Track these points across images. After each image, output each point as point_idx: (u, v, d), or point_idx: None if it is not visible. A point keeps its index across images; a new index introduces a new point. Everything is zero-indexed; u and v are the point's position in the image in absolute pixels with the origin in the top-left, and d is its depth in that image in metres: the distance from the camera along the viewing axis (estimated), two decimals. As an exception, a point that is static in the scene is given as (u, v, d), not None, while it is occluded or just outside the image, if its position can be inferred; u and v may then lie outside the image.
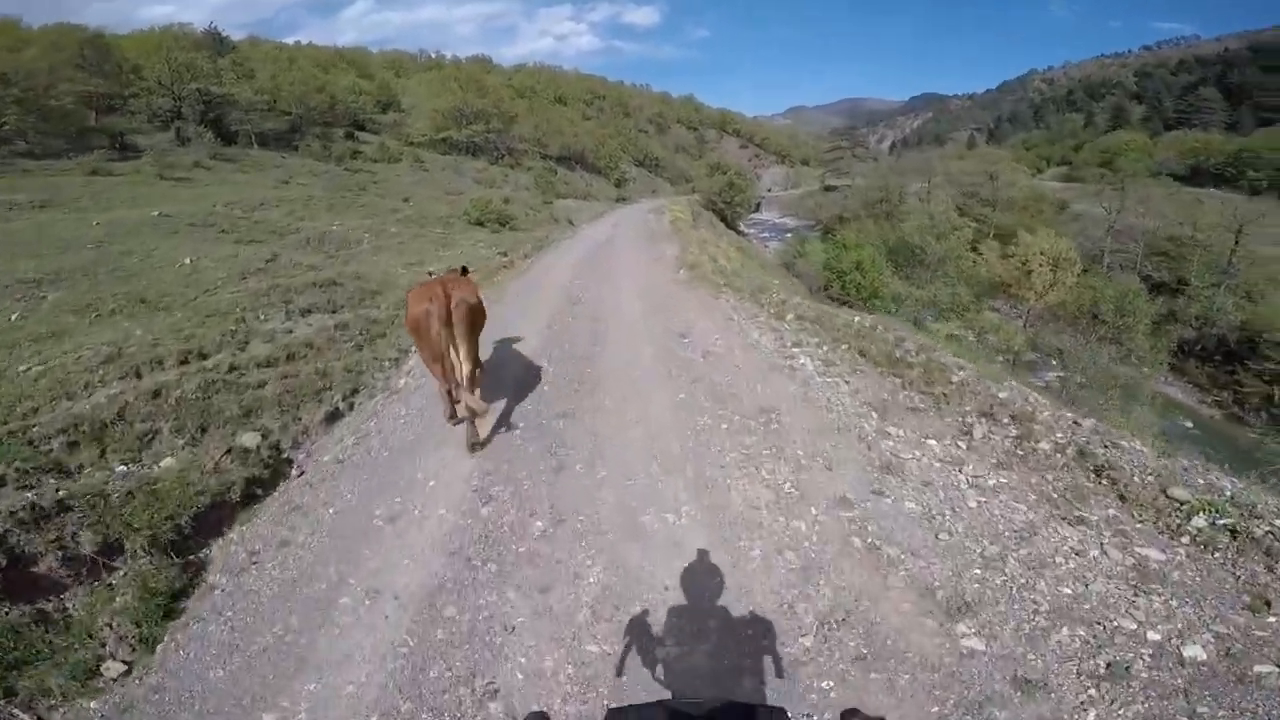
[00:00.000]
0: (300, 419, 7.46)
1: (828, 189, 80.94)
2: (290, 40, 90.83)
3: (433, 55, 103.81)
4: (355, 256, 16.19)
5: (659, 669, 3.26)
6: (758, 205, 77.62)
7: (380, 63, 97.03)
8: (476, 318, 5.76)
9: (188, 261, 11.34)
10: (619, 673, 3.22)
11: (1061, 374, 24.73)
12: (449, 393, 5.99)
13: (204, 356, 8.08)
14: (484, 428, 6.08)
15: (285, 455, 6.68)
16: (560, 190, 54.43)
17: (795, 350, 7.68)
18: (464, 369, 5.48)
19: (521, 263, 16.74)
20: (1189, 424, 25.30)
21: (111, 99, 41.45)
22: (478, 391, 5.75)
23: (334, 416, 7.76)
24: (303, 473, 6.33)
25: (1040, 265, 25.81)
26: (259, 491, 5.86)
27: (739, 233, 55.62)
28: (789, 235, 71.20)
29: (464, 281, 6.07)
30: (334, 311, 10.93)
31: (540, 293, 11.65)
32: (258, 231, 16.32)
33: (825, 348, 7.67)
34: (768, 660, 3.28)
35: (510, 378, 7.48)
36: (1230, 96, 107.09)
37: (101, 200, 19.81)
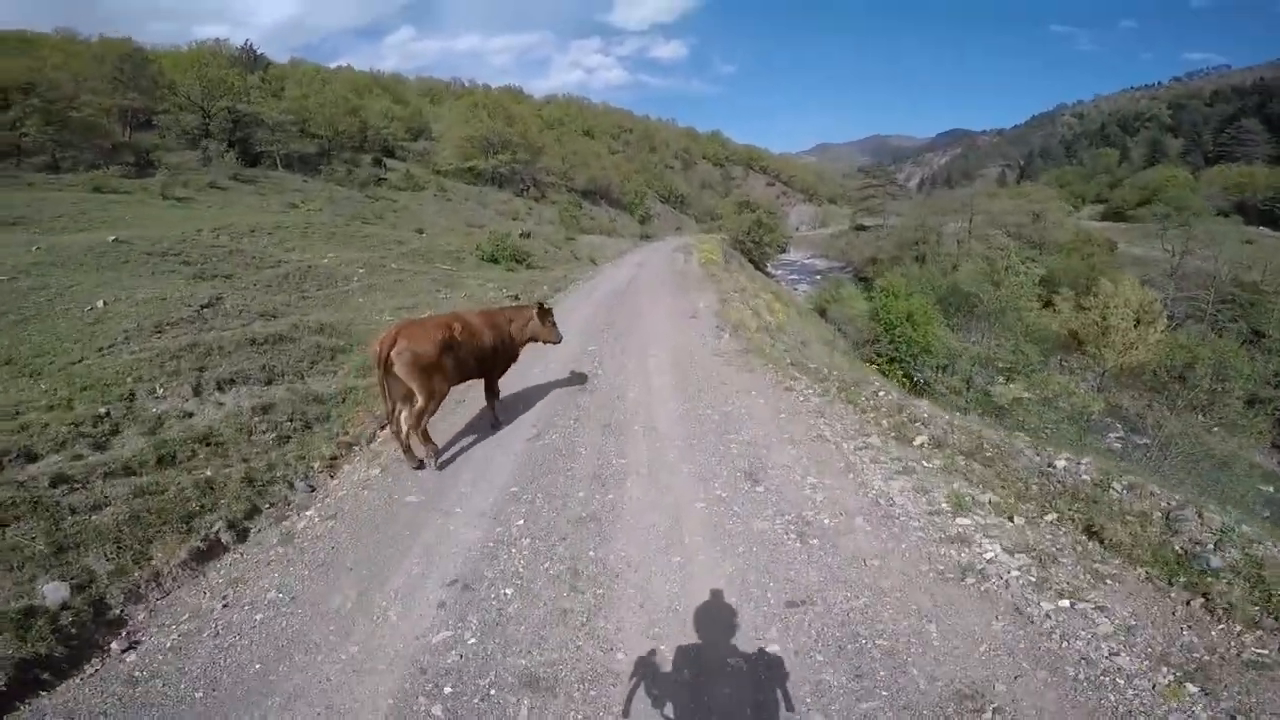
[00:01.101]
0: (150, 558, 4.87)
1: (859, 229, 78.08)
2: (333, 65, 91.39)
3: (466, 84, 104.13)
4: (335, 298, 13.71)
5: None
6: (785, 246, 75.02)
7: (416, 89, 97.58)
8: (419, 366, 5.56)
9: (100, 304, 8.87)
10: None
11: (1147, 446, 21.30)
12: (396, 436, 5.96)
13: (32, 458, 5.47)
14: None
15: (111, 616, 4.32)
16: (584, 226, 52.48)
17: (965, 526, 4.27)
18: (402, 416, 5.79)
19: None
20: (1269, 488, 21.70)
21: (147, 115, 40.94)
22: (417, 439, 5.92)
23: (207, 554, 5.13)
24: (133, 646, 4.02)
25: (1122, 320, 22.59)
26: (47, 677, 3.60)
27: (767, 274, 53.00)
28: (818, 277, 68.31)
29: (431, 325, 6.01)
30: (268, 382, 8.32)
31: (539, 367, 8.93)
32: (229, 264, 14.00)
33: (1014, 518, 4.32)
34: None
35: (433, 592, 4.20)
36: (1272, 127, 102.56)
37: (81, 220, 17.83)
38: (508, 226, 34.32)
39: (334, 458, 7.39)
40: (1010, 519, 4.29)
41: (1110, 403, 22.43)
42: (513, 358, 7.15)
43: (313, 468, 7.06)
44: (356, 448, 7.81)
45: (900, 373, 25.51)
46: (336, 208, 29.15)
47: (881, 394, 7.03)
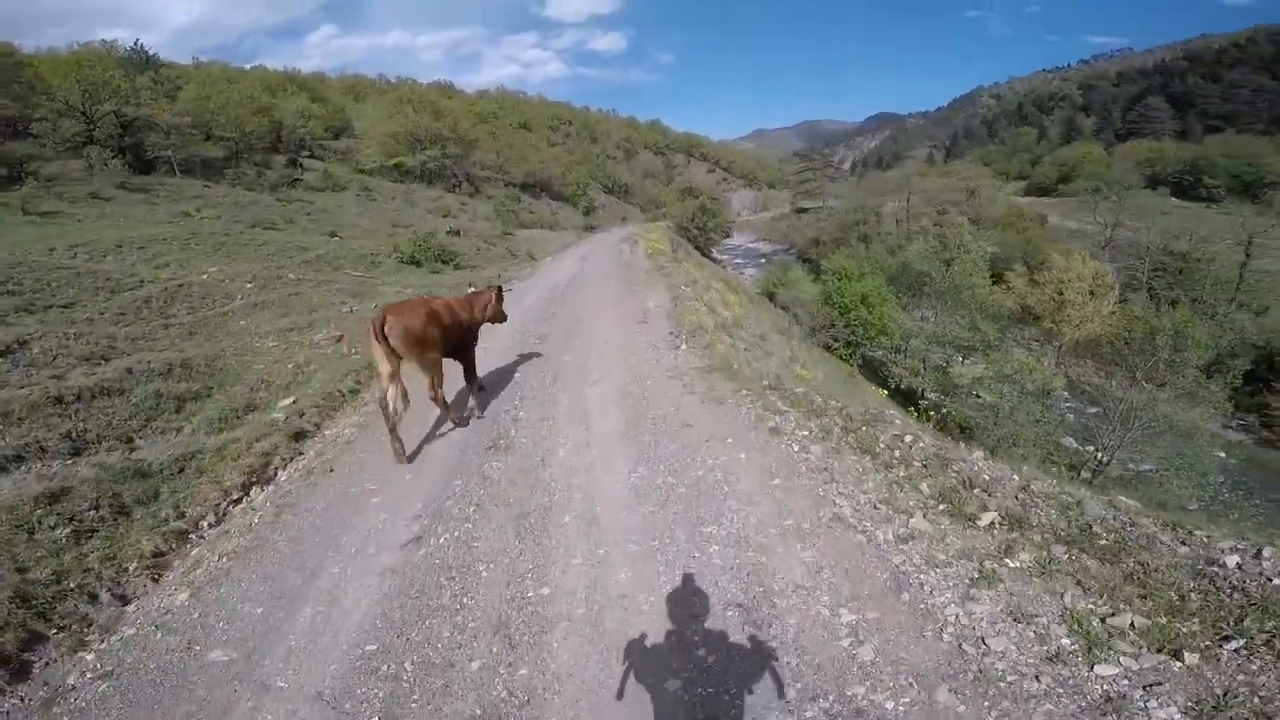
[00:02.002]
0: None
1: (799, 211, 77.96)
2: (248, 66, 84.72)
3: (392, 80, 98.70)
4: (208, 323, 11.26)
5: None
6: (728, 231, 74.04)
7: (338, 88, 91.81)
8: (411, 339, 5.96)
9: None
10: None
11: (1100, 415, 20.82)
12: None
13: None
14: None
15: None
16: (523, 220, 49.82)
17: (1111, 678, 2.61)
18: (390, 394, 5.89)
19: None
20: (1221, 454, 21.73)
21: (25, 123, 36.30)
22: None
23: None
24: None
25: (1078, 293, 22.08)
26: None
27: (713, 260, 51.75)
28: (763, 261, 67.61)
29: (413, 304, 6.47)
30: (74, 454, 6.07)
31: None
32: (73, 290, 11.31)
33: (1181, 655, 2.65)
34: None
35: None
36: (1175, 105, 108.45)
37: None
38: (438, 224, 31.61)
39: (159, 554, 5.30)
40: (1176, 656, 2.62)
41: (1068, 377, 21.89)
42: (475, 338, 7.50)
43: (125, 569, 5.00)
44: (193, 536, 5.71)
45: (854, 356, 24.52)
46: (237, 213, 25.92)
47: (908, 438, 5.01)
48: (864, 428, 5.17)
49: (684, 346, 8.51)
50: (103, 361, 8.04)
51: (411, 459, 6.14)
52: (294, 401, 8.30)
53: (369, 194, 43.64)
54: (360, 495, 5.67)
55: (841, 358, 23.56)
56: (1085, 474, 18.86)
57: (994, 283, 25.39)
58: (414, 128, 52.30)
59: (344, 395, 8.83)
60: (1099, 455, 20.20)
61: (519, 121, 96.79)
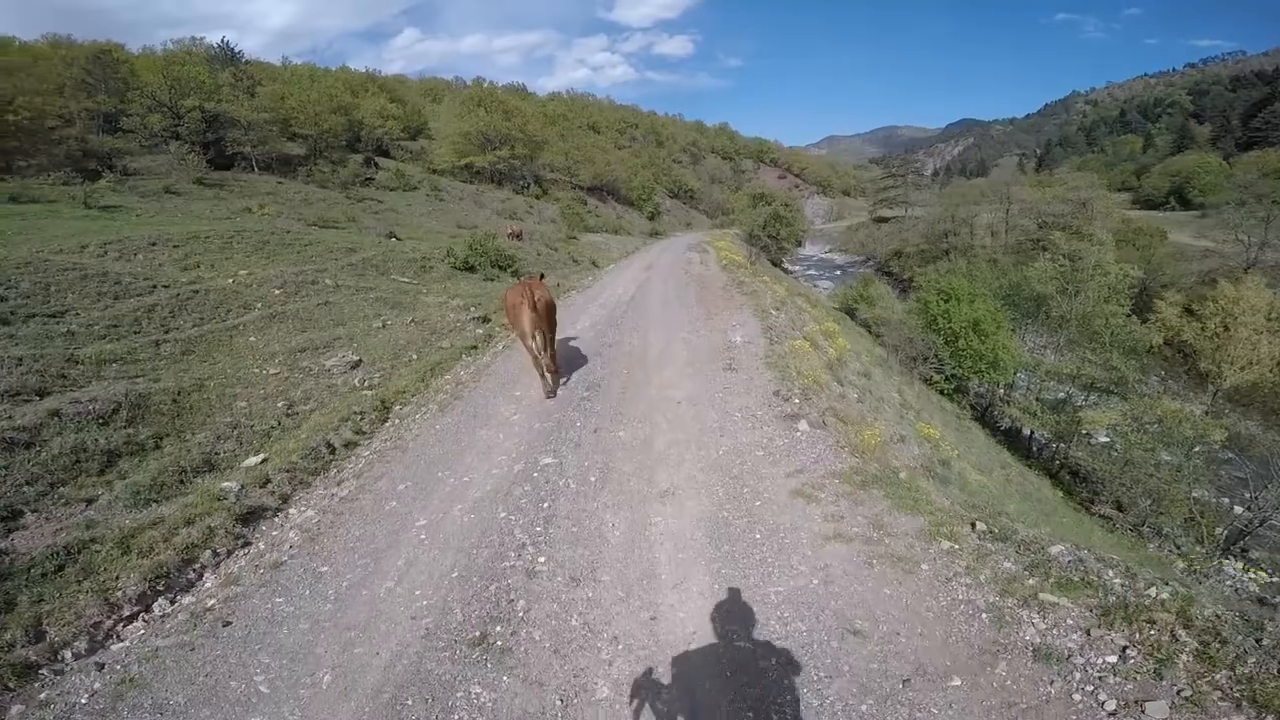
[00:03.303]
0: None
1: (879, 220, 72.95)
2: (334, 68, 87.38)
3: (468, 82, 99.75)
4: (212, 339, 9.47)
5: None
6: (801, 240, 69.84)
7: (417, 89, 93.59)
8: (553, 311, 7.46)
9: None
10: None
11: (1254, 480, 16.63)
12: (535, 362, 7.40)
13: None
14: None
15: None
16: (589, 223, 48.04)
17: None
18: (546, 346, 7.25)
19: (472, 363, 9.83)
20: None
21: (117, 118, 37.57)
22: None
23: None
24: None
25: (1251, 328, 17.85)
26: None
27: (785, 271, 48.33)
28: (838, 273, 63.24)
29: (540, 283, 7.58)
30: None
31: (451, 515, 4.69)
32: (74, 294, 9.81)
33: None
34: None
35: None
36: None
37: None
38: (501, 226, 29.99)
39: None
40: None
41: (1226, 427, 17.66)
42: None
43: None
44: (45, 673, 3.62)
45: (958, 391, 20.97)
46: (298, 210, 24.98)
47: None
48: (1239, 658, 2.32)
49: (804, 425, 5.82)
50: (35, 398, 6.17)
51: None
52: (263, 461, 6.20)
53: (438, 194, 42.88)
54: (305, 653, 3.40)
55: (942, 391, 20.12)
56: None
57: (1134, 313, 21.20)
58: (485, 128, 51.49)
59: (333, 452, 6.68)
60: (1254, 517, 16.19)
61: (588, 123, 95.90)
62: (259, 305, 11.40)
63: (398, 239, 22.05)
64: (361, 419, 7.82)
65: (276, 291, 12.32)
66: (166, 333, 9.39)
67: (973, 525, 3.84)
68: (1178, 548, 17.91)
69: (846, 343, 10.92)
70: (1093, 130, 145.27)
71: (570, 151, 65.90)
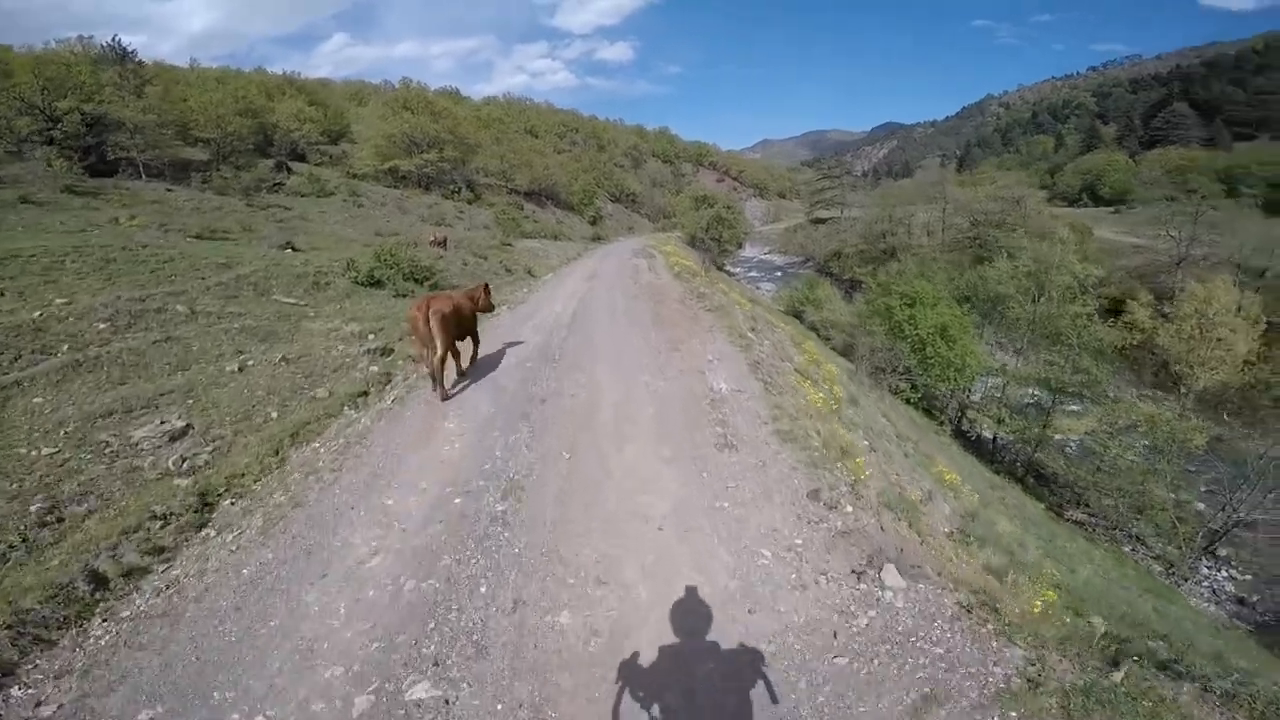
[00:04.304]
0: None
1: (817, 222, 73.03)
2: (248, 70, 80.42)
3: (396, 85, 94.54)
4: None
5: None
6: (741, 242, 68.77)
7: (342, 93, 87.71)
8: (444, 323, 7.23)
9: None
10: None
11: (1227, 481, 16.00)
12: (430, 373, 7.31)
13: None
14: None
15: None
16: (526, 229, 45.16)
17: None
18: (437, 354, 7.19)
19: (368, 408, 7.26)
20: None
21: (-7, 123, 32.39)
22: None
23: None
24: None
25: (1228, 328, 17.20)
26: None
27: (727, 274, 46.92)
28: (778, 274, 62.50)
29: (446, 295, 8.17)
30: None
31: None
32: None
33: None
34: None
35: None
36: (1200, 111, 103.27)
37: None
38: (424, 234, 26.88)
39: None
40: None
41: (1204, 430, 16.87)
42: (475, 321, 8.75)
43: None
44: None
45: (923, 400, 19.60)
46: (182, 219, 21.33)
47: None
48: None
49: (892, 576, 3.56)
50: None
51: None
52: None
53: (356, 200, 39.08)
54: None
55: (909, 401, 18.66)
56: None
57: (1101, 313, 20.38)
58: (411, 129, 47.82)
59: (98, 590, 4.08)
60: (1231, 514, 15.57)
61: (526, 127, 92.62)
62: (66, 347, 8.37)
63: (295, 250, 18.83)
64: (163, 525, 5.17)
65: (101, 326, 9.26)
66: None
67: None
68: (1151, 550, 17.13)
69: (832, 366, 8.90)
70: (1008, 131, 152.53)
71: (506, 155, 62.66)
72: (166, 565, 4.81)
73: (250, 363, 8.87)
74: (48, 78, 33.56)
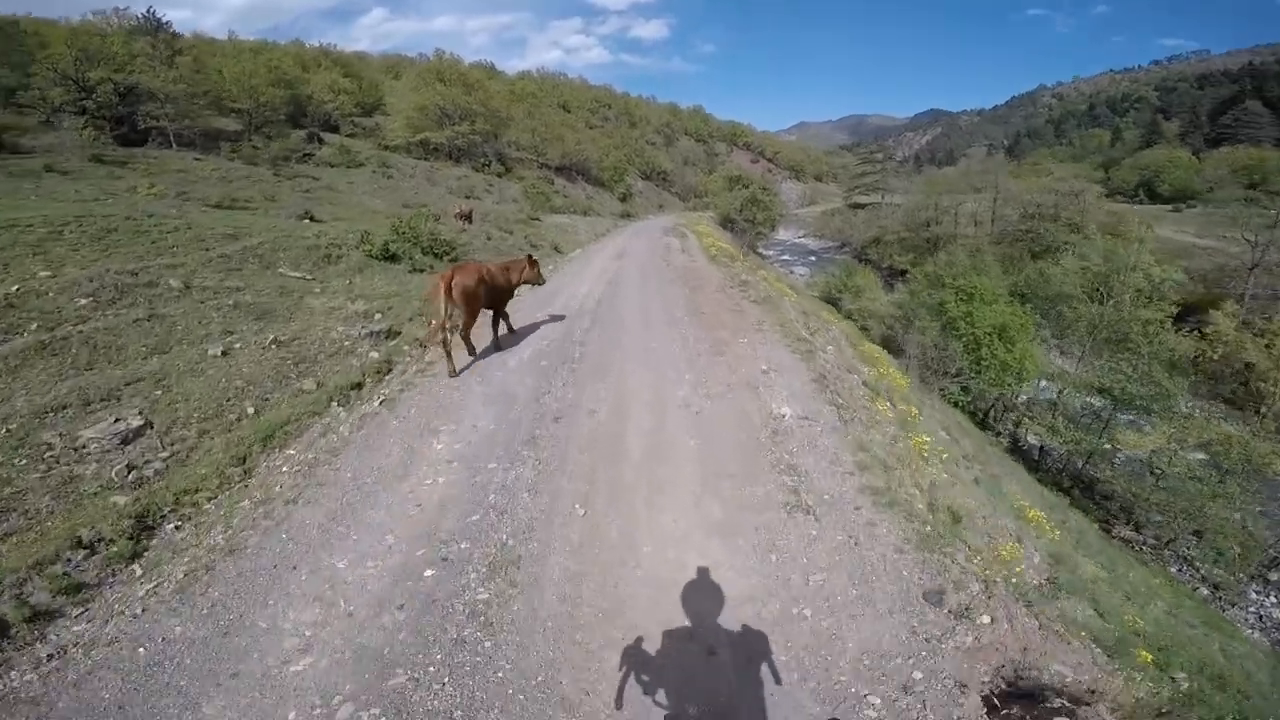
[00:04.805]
0: None
1: (855, 207, 70.20)
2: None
3: (431, 58, 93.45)
4: None
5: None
6: (775, 224, 66.29)
7: (378, 66, 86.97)
8: (468, 295, 7.19)
9: None
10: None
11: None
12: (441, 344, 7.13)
13: None
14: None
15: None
16: (555, 204, 43.92)
17: None
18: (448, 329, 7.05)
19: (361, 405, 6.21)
20: None
21: (15, 94, 32.82)
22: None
23: None
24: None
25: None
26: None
27: (759, 256, 45.04)
28: (812, 259, 60.14)
29: (474, 266, 7.75)
30: None
31: None
32: None
33: None
34: None
35: None
36: (1274, 110, 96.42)
37: None
38: (450, 206, 25.87)
39: None
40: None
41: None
42: (511, 294, 8.72)
43: None
44: None
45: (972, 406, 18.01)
46: (206, 189, 20.67)
47: None
48: None
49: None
50: None
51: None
52: None
53: (386, 171, 38.28)
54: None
55: (957, 405, 17.13)
56: None
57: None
58: (443, 101, 46.71)
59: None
60: None
61: (559, 102, 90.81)
62: (35, 325, 7.50)
63: (313, 220, 17.96)
64: (88, 555, 4.22)
65: (82, 302, 8.40)
66: None
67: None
68: (1197, 572, 15.72)
69: (902, 378, 7.57)
70: (1061, 123, 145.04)
71: (538, 129, 61.27)
72: (82, 610, 3.85)
73: (237, 345, 7.92)
74: (80, 48, 33.38)
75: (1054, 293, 19.29)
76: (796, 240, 71.11)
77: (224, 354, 7.62)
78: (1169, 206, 59.61)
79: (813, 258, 61.58)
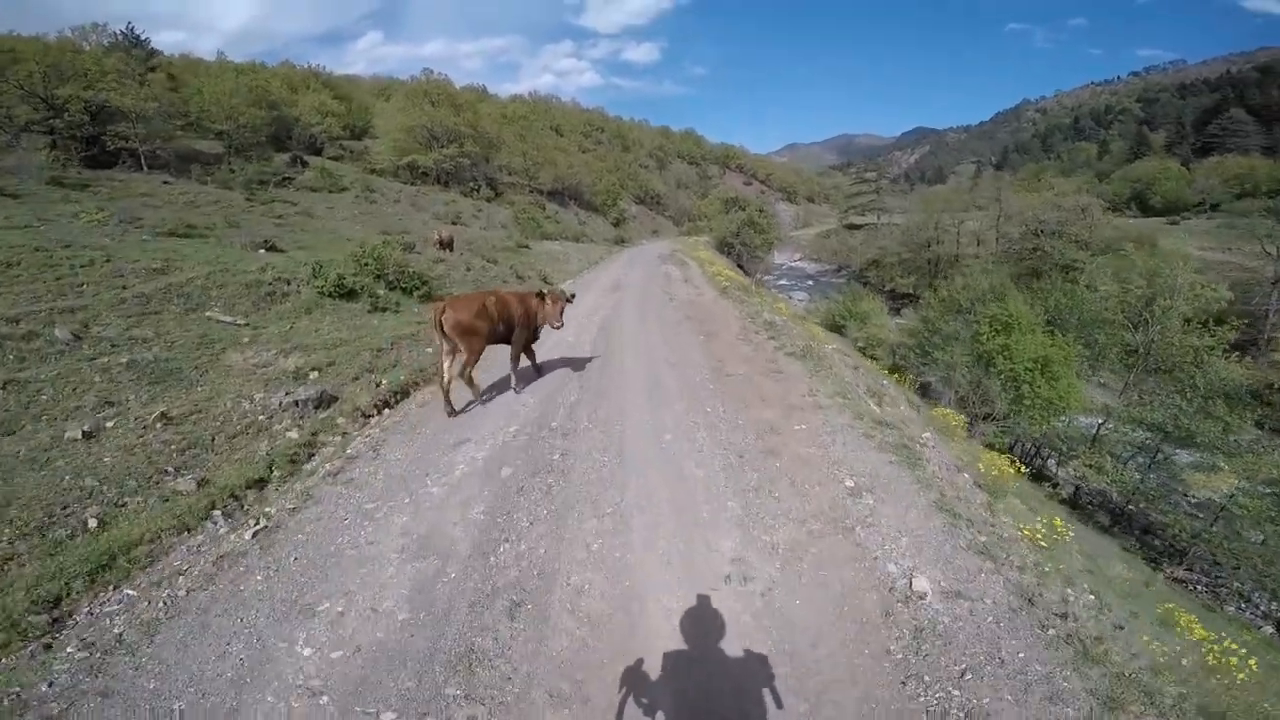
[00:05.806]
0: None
1: (851, 227, 69.08)
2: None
3: (422, 80, 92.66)
4: None
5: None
6: (772, 247, 64.59)
7: (369, 89, 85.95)
8: (462, 330, 6.58)
9: None
10: None
11: None
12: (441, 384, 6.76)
13: None
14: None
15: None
16: (547, 229, 42.30)
17: None
18: (446, 368, 6.69)
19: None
20: None
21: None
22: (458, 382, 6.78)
23: None
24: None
25: None
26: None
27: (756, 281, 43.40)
28: (810, 283, 58.56)
29: (476, 297, 6.98)
30: None
31: None
32: None
33: None
34: None
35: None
36: (1258, 118, 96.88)
37: None
38: (430, 232, 24.04)
39: None
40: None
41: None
42: (534, 332, 7.68)
43: None
44: None
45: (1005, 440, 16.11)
46: (156, 215, 18.77)
47: None
48: None
49: None
50: None
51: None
52: None
53: (369, 195, 36.57)
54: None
55: (996, 447, 15.22)
56: None
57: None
58: (430, 122, 45.30)
59: None
60: None
61: (550, 125, 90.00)
62: None
63: (274, 250, 16.04)
64: None
65: (-83, 360, 6.41)
66: None
67: None
68: (1256, 607, 14.14)
69: (1004, 462, 5.64)
70: (1048, 137, 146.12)
71: (529, 152, 59.98)
72: None
73: (110, 423, 5.92)
74: (49, 64, 31.71)
75: (1089, 318, 17.55)
76: (793, 264, 69.70)
77: (86, 436, 5.62)
78: (1163, 219, 58.76)
79: (810, 281, 59.97)
